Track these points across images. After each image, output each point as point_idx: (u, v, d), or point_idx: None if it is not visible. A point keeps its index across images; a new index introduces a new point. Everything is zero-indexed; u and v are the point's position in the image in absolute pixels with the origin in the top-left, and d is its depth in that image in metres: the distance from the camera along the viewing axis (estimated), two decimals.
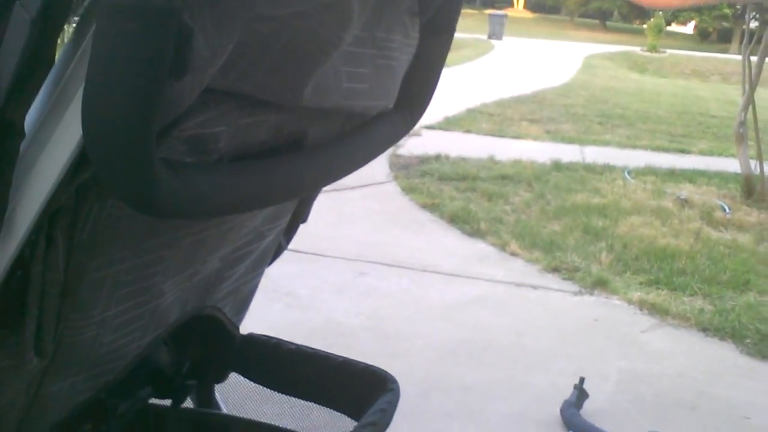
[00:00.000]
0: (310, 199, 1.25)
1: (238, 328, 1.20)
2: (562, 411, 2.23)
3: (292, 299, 2.94)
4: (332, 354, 1.20)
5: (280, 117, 0.82)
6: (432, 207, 4.44)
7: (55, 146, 0.65)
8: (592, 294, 3.28)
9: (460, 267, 3.54)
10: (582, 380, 2.29)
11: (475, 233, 4.04)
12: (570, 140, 6.98)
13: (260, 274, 1.20)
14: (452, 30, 1.04)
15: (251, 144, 0.81)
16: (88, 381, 0.89)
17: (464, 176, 5.24)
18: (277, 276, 3.10)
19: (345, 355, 2.44)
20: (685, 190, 5.06)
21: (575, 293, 3.29)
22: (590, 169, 5.66)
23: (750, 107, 4.81)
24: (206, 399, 1.30)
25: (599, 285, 3.33)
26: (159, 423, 1.27)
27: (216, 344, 1.20)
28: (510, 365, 2.59)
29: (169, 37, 0.55)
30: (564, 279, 3.44)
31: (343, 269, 3.37)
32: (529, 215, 4.46)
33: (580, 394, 2.26)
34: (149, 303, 0.89)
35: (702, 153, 6.73)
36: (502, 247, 3.84)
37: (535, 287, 3.33)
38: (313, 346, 2.74)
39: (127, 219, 0.75)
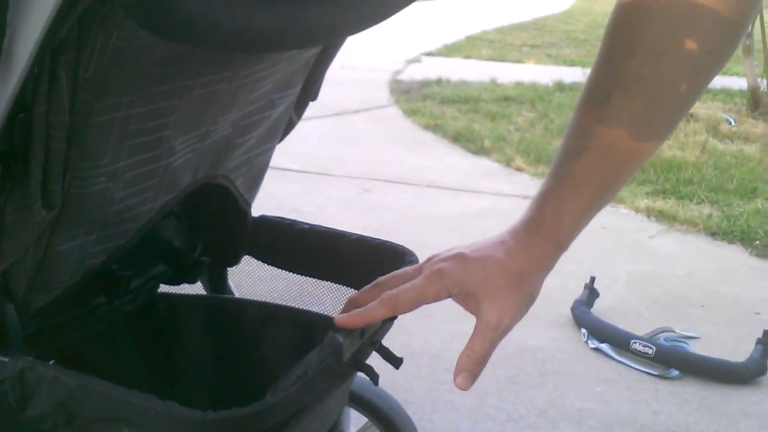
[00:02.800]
0: (320, 74, 1.20)
1: (250, 206, 1.18)
2: (573, 309, 2.23)
3: (297, 215, 2.90)
4: (347, 231, 1.18)
5: None
6: (435, 128, 4.40)
7: None
8: None
9: (465, 182, 3.51)
10: (592, 279, 2.29)
11: (479, 151, 4.01)
12: (572, 63, 6.87)
13: (272, 148, 1.17)
14: None
15: None
16: (100, 243, 0.87)
17: (466, 99, 5.17)
18: (282, 194, 3.08)
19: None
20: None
21: None
22: None
23: (758, 18, 4.71)
24: (219, 283, 1.28)
25: None
26: (171, 309, 1.26)
27: (229, 223, 1.18)
28: None
29: None
30: None
31: (347, 186, 3.34)
32: (533, 133, 4.41)
33: (591, 293, 2.26)
34: (160, 160, 0.86)
35: None
36: (507, 162, 3.81)
37: None
38: None
39: (133, 54, 0.71)
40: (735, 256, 2.76)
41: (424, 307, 1.90)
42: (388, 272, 1.11)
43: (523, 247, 0.70)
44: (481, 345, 0.70)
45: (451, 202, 3.25)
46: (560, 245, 0.70)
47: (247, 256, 1.27)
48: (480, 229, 2.92)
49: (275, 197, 3.04)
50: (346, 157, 3.77)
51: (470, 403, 1.82)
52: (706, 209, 3.19)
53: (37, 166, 0.74)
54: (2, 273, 0.82)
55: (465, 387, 0.72)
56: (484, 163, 3.85)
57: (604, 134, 0.66)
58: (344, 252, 1.18)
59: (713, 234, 2.92)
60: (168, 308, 1.27)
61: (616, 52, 0.66)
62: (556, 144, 4.17)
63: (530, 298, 0.71)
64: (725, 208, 3.19)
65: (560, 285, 2.43)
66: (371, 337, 0.97)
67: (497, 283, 0.70)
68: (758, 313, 2.31)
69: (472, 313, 0.71)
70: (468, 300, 0.71)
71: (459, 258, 0.73)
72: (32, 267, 0.83)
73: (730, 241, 2.87)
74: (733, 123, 4.47)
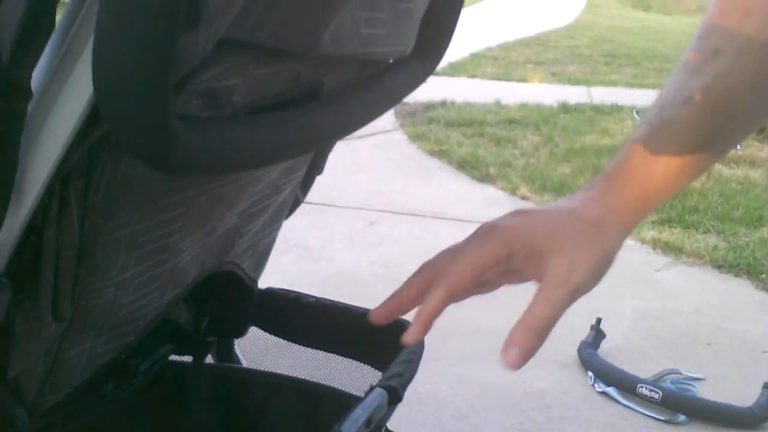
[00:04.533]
0: (326, 150, 1.22)
1: (256, 283, 1.20)
2: (580, 351, 2.24)
3: (303, 250, 2.94)
4: (352, 306, 1.19)
5: (296, 66, 0.80)
6: (440, 154, 4.41)
7: (65, 105, 0.63)
8: None
9: (471, 212, 3.52)
10: (599, 321, 2.29)
11: (485, 178, 4.02)
12: (576, 81, 6.87)
13: (278, 228, 1.19)
14: None
15: (267, 95, 0.79)
16: (108, 343, 0.89)
17: (471, 122, 5.18)
18: (286, 228, 3.08)
19: (359, 305, 2.45)
20: None
21: None
22: (598, 109, 5.59)
23: None
24: (226, 354, 1.30)
25: None
26: (179, 379, 1.27)
27: (235, 300, 1.19)
28: (525, 307, 2.59)
29: None
30: None
31: (353, 219, 3.36)
32: (538, 158, 4.42)
33: (597, 334, 2.27)
34: (167, 262, 0.88)
35: None
36: (512, 191, 3.82)
37: None
38: (327, 297, 2.75)
39: (141, 178, 0.73)
40: (741, 290, 2.76)
41: (429, 349, 1.93)
42: (394, 347, 1.13)
43: (601, 196, 0.61)
44: (544, 308, 0.58)
45: (457, 234, 3.23)
46: (645, 201, 0.61)
47: (253, 326, 1.28)
48: None
49: (281, 230, 3.05)
50: (351, 187, 3.79)
51: None
52: (712, 239, 3.19)
53: (47, 284, 0.75)
54: (13, 378, 0.83)
55: (515, 364, 0.57)
56: (490, 192, 3.86)
57: (710, 87, 0.60)
58: (350, 326, 1.19)
59: (719, 267, 2.92)
60: (175, 377, 1.28)
61: (730, 12, 0.61)
62: (561, 170, 4.19)
63: (606, 258, 0.60)
64: (731, 238, 3.20)
65: (566, 324, 2.41)
66: (378, 423, 0.98)
67: (567, 232, 0.59)
68: (765, 352, 2.31)
69: (535, 277, 0.60)
70: (530, 260, 0.59)
71: (518, 213, 0.63)
72: (42, 372, 0.84)
73: (737, 274, 2.87)
74: (738, 146, 4.47)
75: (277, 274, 2.32)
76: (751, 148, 4.48)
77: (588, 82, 6.84)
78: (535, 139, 4.83)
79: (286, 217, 1.22)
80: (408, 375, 1.05)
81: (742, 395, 2.03)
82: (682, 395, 2.01)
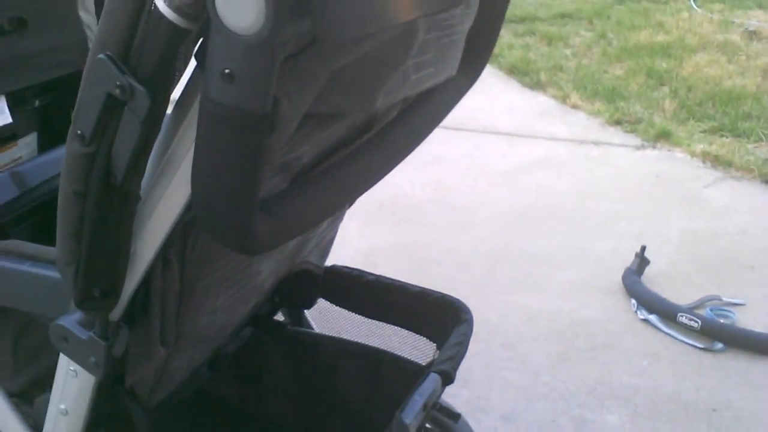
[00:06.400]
0: None
1: (322, 269, 1.33)
2: (624, 279, 2.35)
3: None
4: (409, 284, 1.32)
5: (354, 119, 0.89)
6: (491, 58, 4.39)
7: (167, 204, 0.75)
8: (654, 147, 3.30)
9: (521, 125, 3.57)
10: (643, 248, 2.39)
11: (536, 85, 4.03)
12: None
13: (340, 221, 1.31)
14: None
15: (329, 147, 0.89)
16: (205, 349, 1.04)
17: (522, 17, 5.11)
18: None
19: (416, 230, 2.56)
20: (755, 18, 4.84)
21: (638, 147, 3.32)
22: None
23: None
24: (298, 320, 1.45)
25: (662, 137, 3.34)
26: (260, 343, 1.44)
27: (304, 282, 1.33)
28: (573, 231, 2.70)
29: (264, 133, 0.63)
30: (626, 132, 3.45)
31: None
32: (590, 59, 4.38)
33: (641, 261, 2.37)
34: (250, 283, 1.02)
35: None
36: (563, 99, 3.83)
37: (597, 143, 3.36)
38: (384, 221, 2.87)
39: None
40: None
41: (479, 276, 2.00)
42: (445, 325, 1.26)
43: None
44: None
45: (507, 151, 3.33)
46: None
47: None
48: (536, 183, 3.01)
49: None
50: None
51: (525, 382, 1.99)
52: (764, 150, 3.20)
53: (155, 320, 0.90)
54: (130, 384, 1.00)
55: None
56: (540, 100, 3.88)
57: None
58: (406, 303, 1.33)
59: (767, 182, 2.95)
60: (257, 342, 1.45)
61: None
62: (614, 72, 4.15)
63: None
64: None
65: (613, 249, 2.54)
66: (433, 404, 1.13)
67: None
68: None
69: None
70: None
71: None
72: (152, 380, 1.01)
73: None
74: None
75: None
76: None
77: None
78: (588, 36, 4.76)
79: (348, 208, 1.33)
80: (459, 357, 1.18)
81: None
82: (720, 324, 2.13)
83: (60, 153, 1.42)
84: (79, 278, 0.79)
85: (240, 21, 0.55)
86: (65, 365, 0.94)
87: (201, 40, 0.64)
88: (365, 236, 2.63)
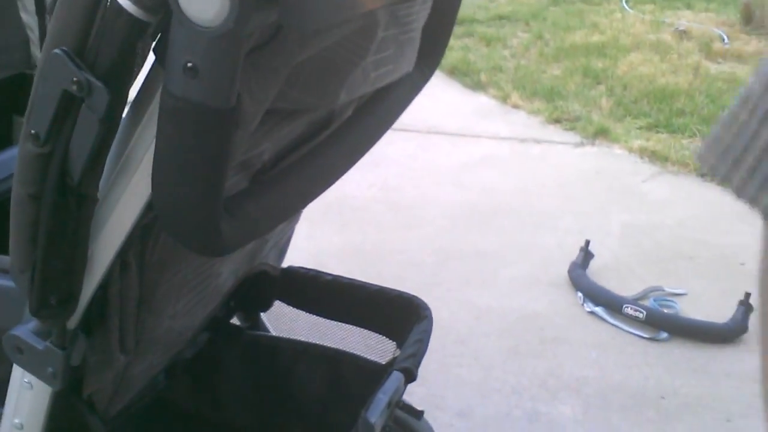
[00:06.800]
0: None
1: (279, 269, 1.32)
2: (570, 272, 2.40)
3: None
4: (367, 283, 1.32)
5: (313, 114, 0.89)
6: None
7: (125, 205, 0.74)
8: (593, 144, 3.38)
9: (464, 125, 3.61)
10: (587, 242, 2.44)
11: (476, 86, 4.08)
12: None
13: (297, 220, 1.30)
14: None
15: (288, 143, 0.88)
16: (164, 355, 1.02)
17: (461, 20, 5.14)
18: None
19: (364, 231, 2.56)
20: (684, 18, 5.00)
21: (577, 144, 3.39)
22: (587, 0, 5.55)
23: None
24: (254, 323, 1.44)
25: (600, 134, 3.42)
26: (215, 349, 1.42)
27: (261, 284, 1.32)
28: (519, 227, 2.74)
29: (230, 128, 0.62)
30: (566, 130, 3.52)
31: None
32: (528, 59, 4.46)
33: (586, 255, 2.42)
34: (210, 286, 1.00)
35: None
36: (504, 99, 3.89)
37: (538, 141, 3.42)
38: (331, 223, 2.85)
39: None
40: (723, 199, 2.89)
41: (432, 274, 2.00)
42: (404, 322, 1.27)
43: None
44: None
45: (452, 150, 3.36)
46: None
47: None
48: (481, 181, 3.05)
49: None
50: None
51: (478, 377, 2.01)
52: (698, 145, 3.30)
53: (114, 328, 0.88)
54: (87, 394, 0.97)
55: None
56: (482, 100, 3.93)
57: None
58: (365, 302, 1.33)
59: (703, 175, 3.05)
60: (212, 347, 1.42)
61: None
62: (551, 72, 4.23)
63: None
64: None
65: (558, 243, 2.59)
66: (396, 402, 1.13)
67: None
68: (743, 264, 2.48)
69: None
70: None
71: None
72: (111, 388, 0.98)
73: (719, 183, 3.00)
74: (726, 40, 4.50)
75: None
76: (738, 41, 4.52)
77: None
78: (525, 37, 4.84)
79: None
80: (420, 354, 1.19)
81: (721, 309, 2.21)
82: (663, 314, 2.19)
83: (6, 155, 1.37)
84: (35, 286, 0.76)
85: (203, 13, 0.54)
86: (19, 377, 0.91)
87: (160, 35, 0.63)
88: (313, 238, 2.62)
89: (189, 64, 0.56)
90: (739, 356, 2.08)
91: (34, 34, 1.49)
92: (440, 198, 2.93)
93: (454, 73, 4.22)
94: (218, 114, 0.60)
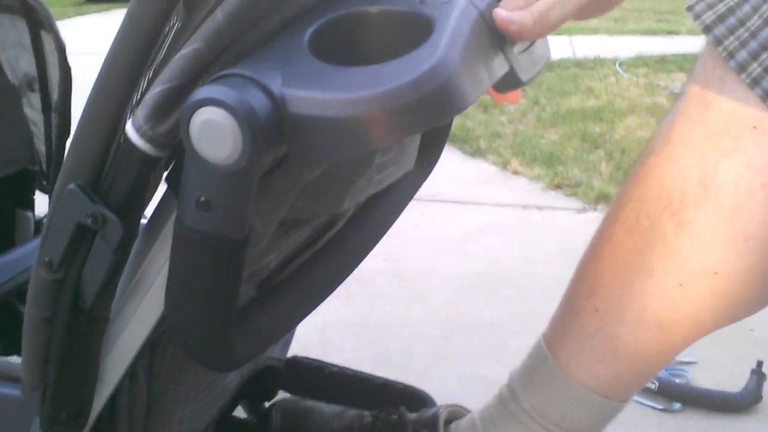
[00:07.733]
0: None
1: (283, 362, 1.32)
2: None
3: None
4: (372, 375, 1.32)
5: (318, 222, 0.90)
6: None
7: (136, 324, 0.74)
8: (595, 209, 3.39)
9: (466, 192, 3.63)
10: None
11: (476, 152, 4.12)
12: (558, 31, 6.88)
13: None
14: None
15: (295, 250, 0.89)
16: None
17: None
18: None
19: (370, 303, 2.56)
20: (678, 81, 5.08)
21: (579, 210, 3.40)
22: (581, 64, 5.65)
23: None
24: (258, 414, 1.43)
25: (602, 199, 3.44)
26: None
27: (265, 378, 1.32)
28: (525, 295, 2.73)
29: (242, 255, 0.63)
30: (567, 196, 3.54)
31: None
32: (526, 125, 4.51)
33: None
34: (217, 387, 1.00)
35: (691, 32, 6.66)
36: (504, 165, 3.92)
37: (540, 207, 3.44)
38: (337, 296, 2.87)
39: None
40: None
41: (439, 347, 2.01)
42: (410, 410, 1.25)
43: None
44: None
45: (454, 218, 3.38)
46: None
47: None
48: (484, 250, 3.05)
49: None
50: None
51: None
52: None
53: None
54: None
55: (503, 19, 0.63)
56: (482, 167, 3.96)
57: None
58: (371, 394, 1.32)
59: None
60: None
61: None
62: (549, 137, 4.28)
63: None
64: None
65: None
66: None
67: None
68: (752, 330, 2.46)
69: None
70: None
71: None
72: None
73: None
74: None
75: None
76: None
77: (569, 31, 6.87)
78: (522, 103, 4.90)
79: None
80: None
81: (732, 377, 2.19)
82: (676, 385, 2.17)
83: (8, 258, 1.39)
84: (47, 403, 0.77)
85: (217, 152, 0.55)
86: None
87: (173, 164, 0.64)
88: (319, 312, 2.56)
89: (202, 199, 0.58)
90: (753, 426, 2.05)
91: (39, 130, 1.52)
92: (445, 268, 2.93)
93: (453, 140, 4.26)
94: (231, 243, 0.61)
